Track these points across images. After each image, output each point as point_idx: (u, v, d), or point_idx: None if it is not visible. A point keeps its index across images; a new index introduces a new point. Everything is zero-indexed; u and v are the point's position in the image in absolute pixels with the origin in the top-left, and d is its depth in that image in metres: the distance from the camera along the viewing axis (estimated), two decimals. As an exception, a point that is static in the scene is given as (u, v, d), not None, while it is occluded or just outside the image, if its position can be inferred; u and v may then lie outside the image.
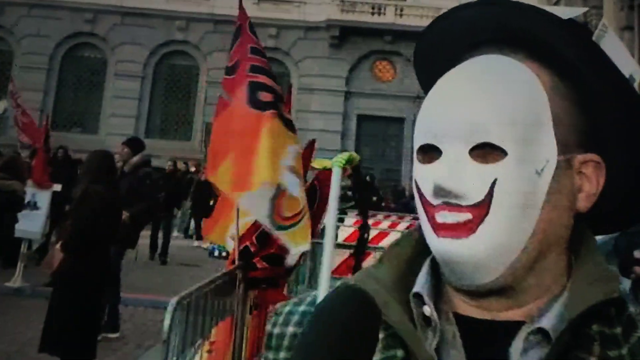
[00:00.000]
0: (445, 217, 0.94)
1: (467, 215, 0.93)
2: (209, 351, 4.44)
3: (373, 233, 10.33)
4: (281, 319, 1.10)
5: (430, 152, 0.98)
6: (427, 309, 0.97)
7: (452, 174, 0.93)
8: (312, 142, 5.47)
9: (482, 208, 0.92)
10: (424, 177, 0.97)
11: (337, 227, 10.60)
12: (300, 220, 4.47)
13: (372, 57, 30.95)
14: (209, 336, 4.45)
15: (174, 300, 3.88)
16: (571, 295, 0.94)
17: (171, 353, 3.88)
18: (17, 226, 10.26)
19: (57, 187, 11.07)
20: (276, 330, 1.09)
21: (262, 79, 4.69)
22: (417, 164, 1.00)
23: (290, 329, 1.08)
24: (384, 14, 30.37)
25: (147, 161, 9.30)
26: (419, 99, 29.76)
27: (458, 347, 0.95)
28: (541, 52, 0.99)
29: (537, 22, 0.99)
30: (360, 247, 4.78)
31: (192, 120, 31.17)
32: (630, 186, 1.04)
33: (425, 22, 29.41)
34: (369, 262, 7.64)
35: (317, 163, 1.91)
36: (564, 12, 1.00)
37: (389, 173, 29.33)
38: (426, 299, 0.98)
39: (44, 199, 10.78)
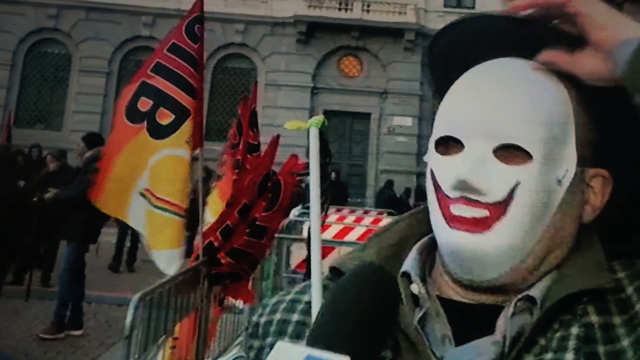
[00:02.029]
0: (462, 210, 0.96)
1: (484, 212, 0.95)
2: (173, 347, 4.42)
3: (338, 228, 10.33)
4: (268, 309, 1.11)
5: (450, 145, 1.00)
6: (415, 287, 1.00)
7: (477, 170, 0.95)
8: (276, 137, 5.46)
9: (500, 207, 0.94)
10: (444, 168, 0.99)
11: (303, 222, 10.62)
12: None
13: (339, 53, 30.92)
14: (172, 332, 4.43)
15: (136, 297, 3.85)
16: (563, 274, 0.97)
17: (133, 350, 3.85)
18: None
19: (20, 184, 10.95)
20: (263, 319, 1.11)
21: (156, 80, 4.61)
22: (434, 155, 1.02)
23: (278, 316, 1.09)
24: (351, 9, 30.35)
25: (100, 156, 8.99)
26: (385, 95, 29.87)
27: (443, 323, 0.97)
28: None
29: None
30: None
31: (158, 117, 30.87)
32: (632, 200, 1.06)
33: (391, 18, 29.66)
34: (331, 258, 7.69)
35: (290, 125, 1.91)
36: None
37: (354, 168, 29.35)
38: (414, 277, 1.01)
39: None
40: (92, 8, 30.68)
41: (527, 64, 1.01)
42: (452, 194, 0.97)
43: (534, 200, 0.94)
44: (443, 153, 1.00)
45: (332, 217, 11.48)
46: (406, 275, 1.02)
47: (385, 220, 12.86)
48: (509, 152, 0.95)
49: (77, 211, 8.02)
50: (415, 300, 1.00)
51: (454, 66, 1.07)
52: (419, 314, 0.97)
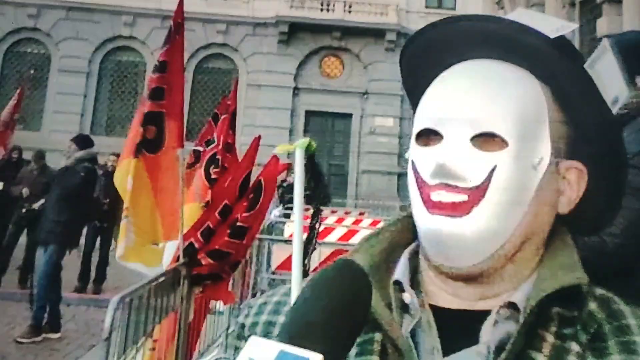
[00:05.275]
0: (441, 196, 0.98)
1: (463, 197, 0.97)
2: (152, 349, 4.39)
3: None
4: (254, 310, 1.12)
5: (430, 137, 1.02)
6: (407, 296, 1.01)
7: (455, 155, 0.97)
8: (257, 138, 5.46)
9: (479, 192, 0.97)
10: (424, 158, 1.01)
11: (284, 223, 10.62)
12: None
13: (320, 54, 30.96)
14: (152, 334, 4.40)
15: (115, 298, 3.83)
16: (540, 277, 0.99)
17: (112, 352, 3.82)
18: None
19: (-1, 186, 10.89)
20: (249, 321, 1.11)
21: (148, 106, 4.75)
22: (415, 147, 1.04)
23: (264, 317, 1.10)
24: (333, 10, 30.39)
25: (91, 158, 8.97)
26: (366, 95, 29.93)
27: (433, 334, 0.98)
28: (536, 69, 1.04)
29: (535, 42, 1.03)
30: (307, 244, 4.77)
31: (138, 117, 30.71)
32: (603, 195, 1.09)
33: (373, 19, 29.76)
34: (312, 257, 7.69)
35: (280, 149, 1.93)
36: (555, 26, 1.05)
37: (335, 168, 29.38)
38: (406, 286, 1.01)
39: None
40: (72, 7, 30.48)
41: (504, 64, 1.05)
42: (432, 181, 0.99)
43: (511, 184, 0.97)
44: (423, 145, 1.03)
45: (313, 217, 11.48)
46: (398, 283, 1.03)
47: (366, 221, 12.91)
48: (486, 140, 0.98)
49: (62, 203, 8.08)
50: (404, 307, 1.00)
51: (428, 65, 1.10)
52: (410, 325, 0.99)
